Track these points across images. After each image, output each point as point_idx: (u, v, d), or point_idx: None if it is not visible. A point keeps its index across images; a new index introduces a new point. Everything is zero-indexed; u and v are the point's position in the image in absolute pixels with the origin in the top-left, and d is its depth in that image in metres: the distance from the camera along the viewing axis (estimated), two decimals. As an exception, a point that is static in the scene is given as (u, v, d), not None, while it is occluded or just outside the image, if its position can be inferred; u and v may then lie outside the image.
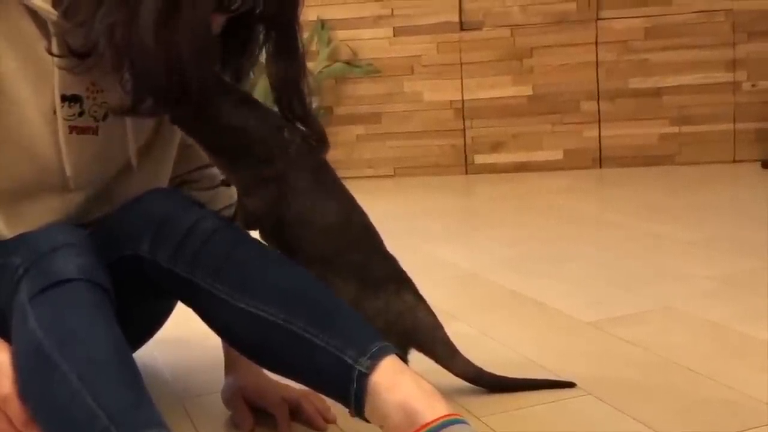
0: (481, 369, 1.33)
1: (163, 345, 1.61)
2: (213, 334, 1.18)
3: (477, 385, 1.33)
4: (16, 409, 0.99)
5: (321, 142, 1.24)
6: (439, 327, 1.29)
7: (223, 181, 1.40)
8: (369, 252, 1.24)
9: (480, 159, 3.87)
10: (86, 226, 1.21)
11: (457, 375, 1.33)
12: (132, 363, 0.98)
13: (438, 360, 1.31)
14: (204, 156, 1.36)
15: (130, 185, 1.26)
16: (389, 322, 1.21)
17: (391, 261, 1.27)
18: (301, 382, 1.13)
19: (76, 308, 1.00)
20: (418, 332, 1.26)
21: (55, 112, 1.15)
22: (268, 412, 1.28)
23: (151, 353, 1.59)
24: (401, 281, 1.26)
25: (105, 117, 1.20)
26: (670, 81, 3.72)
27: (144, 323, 1.44)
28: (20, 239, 1.11)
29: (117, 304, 1.06)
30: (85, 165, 1.20)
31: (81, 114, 1.18)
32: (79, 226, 1.17)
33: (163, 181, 1.32)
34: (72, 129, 1.17)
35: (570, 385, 1.34)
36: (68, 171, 1.18)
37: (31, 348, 0.98)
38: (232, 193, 1.41)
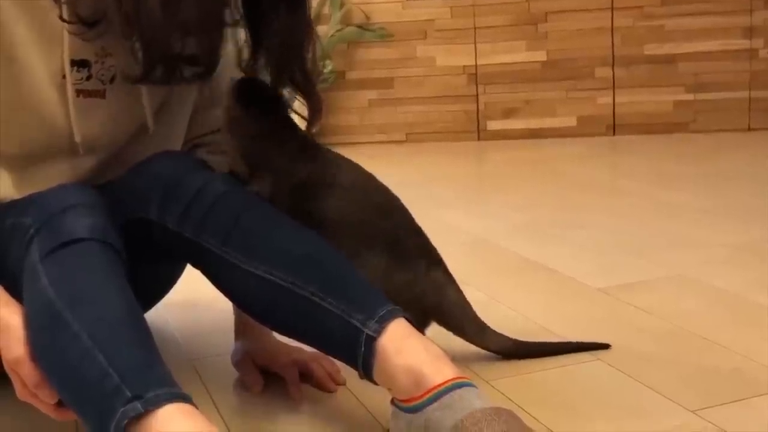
0: (515, 340, 1.33)
1: (173, 307, 1.62)
2: (222, 296, 1.19)
3: (515, 358, 1.32)
4: (28, 370, 0.99)
5: (316, 116, 1.23)
6: (467, 306, 1.29)
7: None
8: (399, 223, 1.24)
9: (493, 125, 3.85)
10: (99, 187, 1.21)
11: (492, 351, 1.33)
12: (143, 323, 0.99)
13: (469, 338, 1.31)
14: (218, 119, 1.36)
15: (143, 149, 1.25)
16: (416, 297, 1.21)
17: (423, 237, 1.26)
18: (310, 345, 1.13)
19: (88, 267, 1.01)
20: (446, 312, 1.27)
21: (64, 77, 1.15)
22: (278, 374, 1.28)
23: (161, 315, 1.60)
24: (432, 259, 1.26)
25: (112, 80, 1.19)
26: (686, 47, 3.68)
27: (153, 286, 1.44)
28: (31, 199, 1.11)
29: (128, 267, 1.06)
30: (94, 129, 1.20)
31: (88, 78, 1.18)
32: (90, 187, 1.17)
33: (176, 145, 1.32)
34: (79, 93, 1.17)
35: (605, 346, 1.35)
36: (77, 135, 1.18)
37: (43, 307, 0.98)
38: None
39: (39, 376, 0.99)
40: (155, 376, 0.92)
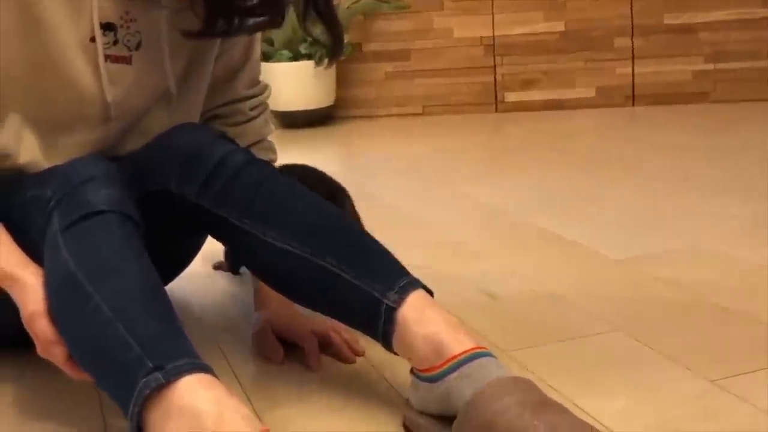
0: None
1: (193, 279, 1.63)
2: (242, 268, 1.20)
3: None
4: (41, 326, 1.01)
5: (338, 46, 1.24)
6: None
7: (253, 116, 1.40)
8: None
9: (511, 97, 3.83)
10: (118, 160, 1.22)
11: None
12: (164, 294, 1.00)
13: None
14: (236, 90, 1.36)
15: (164, 117, 1.26)
16: None
17: None
18: (329, 315, 1.14)
19: (107, 240, 1.02)
20: None
21: (92, 40, 1.16)
22: (298, 344, 1.29)
23: (182, 288, 1.61)
24: None
25: (138, 47, 1.20)
26: (705, 17, 3.64)
27: (174, 258, 1.46)
28: (52, 171, 1.12)
29: (146, 240, 1.07)
30: (120, 94, 1.21)
31: (115, 43, 1.18)
32: (110, 159, 1.18)
33: (195, 115, 1.33)
34: (107, 57, 1.18)
35: None
36: (108, 98, 1.18)
37: (64, 279, 0.99)
38: (261, 128, 1.41)
39: (52, 332, 1.00)
40: (176, 347, 0.93)
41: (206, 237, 1.47)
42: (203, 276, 1.66)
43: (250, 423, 0.86)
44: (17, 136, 1.17)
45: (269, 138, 1.44)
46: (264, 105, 1.43)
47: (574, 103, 3.79)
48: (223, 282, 1.65)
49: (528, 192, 2.27)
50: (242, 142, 1.34)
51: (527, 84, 3.81)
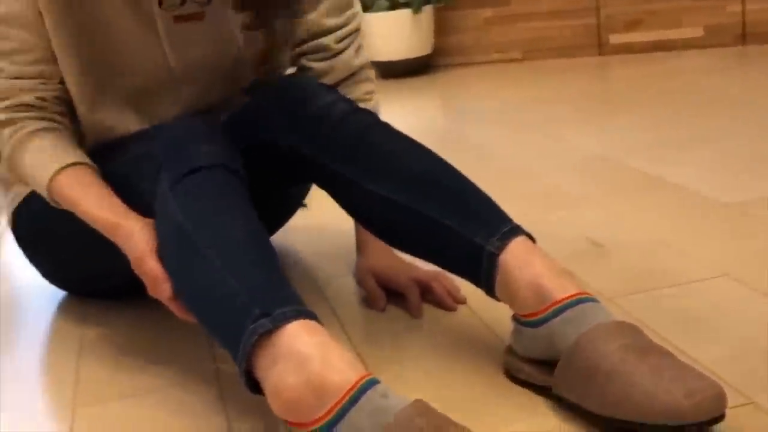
0: None
1: (298, 232, 1.66)
2: (346, 219, 1.21)
3: None
4: (150, 266, 1.05)
5: None
6: None
7: (340, 49, 1.36)
8: None
9: (615, 39, 3.72)
10: (213, 113, 1.25)
11: None
12: (269, 245, 1.02)
13: None
14: (317, 23, 1.33)
15: (242, 69, 1.29)
16: None
17: None
18: (431, 263, 1.14)
19: (213, 193, 1.05)
20: None
21: (160, 4, 1.20)
22: (399, 292, 1.31)
23: (287, 239, 1.64)
24: None
25: (210, 0, 1.22)
26: (825, -53, 3.44)
27: (279, 209, 1.49)
28: (159, 129, 1.16)
29: (252, 191, 1.10)
30: (192, 54, 1.23)
31: (183, 3, 1.21)
32: (212, 115, 1.21)
33: (284, 60, 1.34)
34: (177, 19, 1.20)
35: None
36: (172, 61, 1.22)
37: (173, 232, 1.03)
38: (350, 61, 1.36)
39: (160, 270, 1.04)
40: (282, 294, 0.95)
41: (310, 187, 1.49)
42: (307, 228, 1.68)
43: (355, 367, 0.88)
44: (119, 111, 1.23)
45: (365, 67, 1.39)
46: (353, 35, 1.37)
47: (680, 44, 3.65)
48: (327, 233, 1.67)
49: (632, 136, 2.22)
50: (332, 78, 1.34)
51: (632, 25, 3.70)
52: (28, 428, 1.10)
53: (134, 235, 1.08)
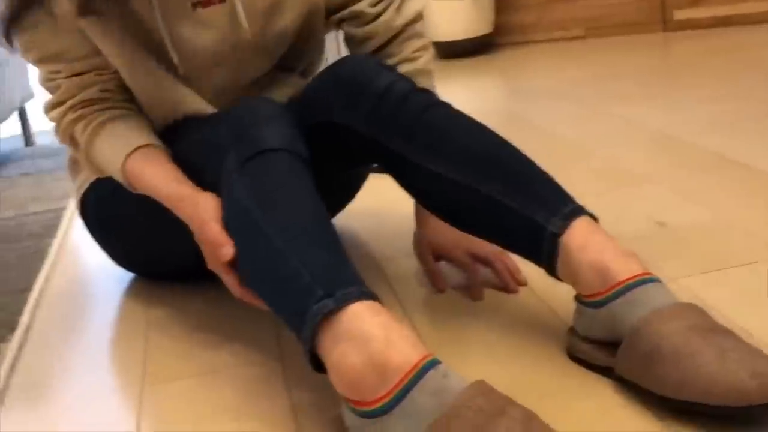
0: None
1: (358, 215, 1.67)
2: (404, 202, 1.21)
3: None
4: (212, 230, 1.06)
5: None
6: None
7: (377, 12, 1.32)
8: None
9: (679, 14, 3.65)
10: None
11: None
12: (331, 227, 1.03)
13: None
14: None
15: (287, 37, 1.30)
16: None
17: None
18: (492, 242, 1.14)
19: (278, 176, 1.06)
20: None
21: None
22: (459, 267, 1.30)
23: (348, 222, 1.65)
24: None
25: None
26: None
27: (340, 190, 1.50)
28: (225, 113, 1.18)
29: (314, 174, 1.11)
30: (220, 35, 1.24)
31: None
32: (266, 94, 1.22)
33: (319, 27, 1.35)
34: (195, 5, 1.22)
35: None
36: (174, 58, 1.23)
37: (237, 213, 1.05)
38: (391, 22, 1.32)
39: (221, 233, 1.05)
40: (344, 275, 0.96)
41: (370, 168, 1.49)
42: (367, 211, 1.69)
43: (416, 347, 0.89)
44: (175, 91, 1.26)
45: (410, 24, 1.34)
46: None
47: (747, 19, 3.56)
48: (387, 214, 1.68)
49: (698, 114, 2.17)
50: (376, 42, 1.32)
51: (696, 0, 3.62)
52: (98, 405, 1.14)
53: (199, 204, 1.10)
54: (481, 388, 0.86)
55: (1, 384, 1.23)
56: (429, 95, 1.18)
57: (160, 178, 1.19)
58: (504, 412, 0.83)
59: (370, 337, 0.88)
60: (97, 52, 1.24)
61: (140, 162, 1.21)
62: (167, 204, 1.17)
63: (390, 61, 1.31)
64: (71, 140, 1.30)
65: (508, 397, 0.86)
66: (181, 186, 1.16)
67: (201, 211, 1.09)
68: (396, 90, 1.16)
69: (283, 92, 1.36)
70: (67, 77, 1.26)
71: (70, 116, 1.26)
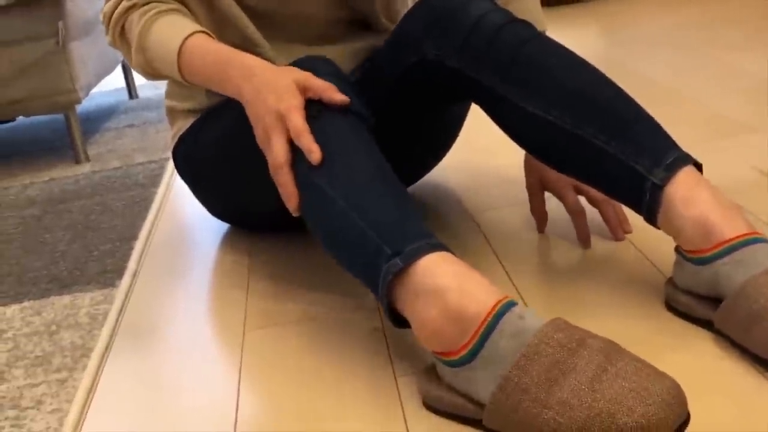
0: None
1: (448, 170, 1.67)
2: (499, 153, 1.20)
3: None
4: (297, 120, 1.00)
5: None
6: None
7: None
8: None
9: (790, -44, 3.48)
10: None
11: None
12: (396, 182, 1.00)
13: None
14: None
15: None
16: None
17: None
18: (591, 186, 1.10)
19: (335, 135, 1.03)
20: None
21: None
22: (564, 205, 1.27)
23: (442, 175, 1.65)
24: None
25: None
26: None
27: (440, 132, 1.45)
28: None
29: (409, 116, 1.06)
30: None
31: None
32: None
33: None
34: None
35: None
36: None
37: (298, 177, 1.03)
38: None
39: (305, 127, 1.00)
40: (411, 230, 0.94)
41: (467, 112, 1.46)
42: (460, 164, 1.69)
43: (491, 292, 0.88)
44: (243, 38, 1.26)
45: None
46: None
47: None
48: (479, 168, 1.67)
49: (808, 60, 2.08)
50: None
51: (810, -60, 3.44)
52: (203, 350, 1.18)
53: (279, 84, 1.04)
54: (559, 324, 0.85)
55: (111, 326, 1.28)
56: (525, 28, 1.11)
57: (224, 50, 1.13)
58: (584, 343, 0.83)
59: (443, 288, 0.88)
60: None
61: (198, 47, 1.15)
62: (230, 76, 1.10)
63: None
64: (122, 31, 1.24)
65: (587, 330, 0.86)
66: (239, 53, 1.11)
67: (280, 93, 1.03)
68: (489, 21, 1.10)
69: (354, 47, 1.34)
70: None
71: (126, 3, 1.22)
